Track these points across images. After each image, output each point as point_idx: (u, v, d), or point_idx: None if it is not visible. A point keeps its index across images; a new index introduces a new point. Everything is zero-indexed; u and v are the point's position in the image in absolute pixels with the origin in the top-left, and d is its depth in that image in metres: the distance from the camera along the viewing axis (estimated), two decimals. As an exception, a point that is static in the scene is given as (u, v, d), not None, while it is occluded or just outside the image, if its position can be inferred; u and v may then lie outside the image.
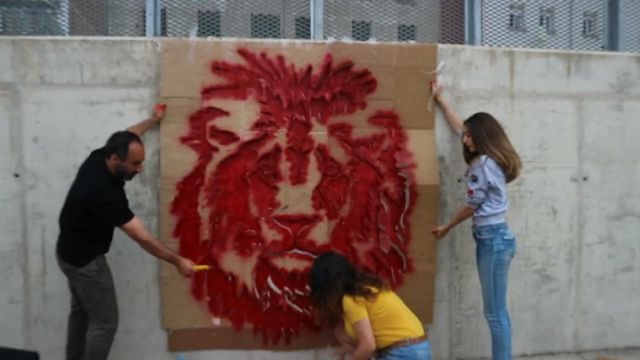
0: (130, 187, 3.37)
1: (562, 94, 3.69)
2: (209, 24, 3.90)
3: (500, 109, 3.60)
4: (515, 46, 4.02)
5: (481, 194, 3.06)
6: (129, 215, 2.83)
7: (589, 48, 4.22)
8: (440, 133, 3.53)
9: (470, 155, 3.21)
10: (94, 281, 2.92)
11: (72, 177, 3.14)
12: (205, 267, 3.17)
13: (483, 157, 3.03)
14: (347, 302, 2.90)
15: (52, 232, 3.35)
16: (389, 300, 2.95)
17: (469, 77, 3.58)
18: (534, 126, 3.66)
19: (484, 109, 3.56)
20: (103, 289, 2.95)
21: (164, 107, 3.29)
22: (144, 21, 3.69)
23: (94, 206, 2.78)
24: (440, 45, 3.56)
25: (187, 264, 3.01)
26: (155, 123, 3.31)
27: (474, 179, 3.06)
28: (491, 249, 3.07)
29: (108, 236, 3.02)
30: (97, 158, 2.94)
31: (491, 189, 3.04)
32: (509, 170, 3.03)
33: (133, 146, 2.86)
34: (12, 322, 3.42)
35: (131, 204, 3.32)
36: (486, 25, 4.01)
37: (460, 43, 4.00)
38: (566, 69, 3.69)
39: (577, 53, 3.74)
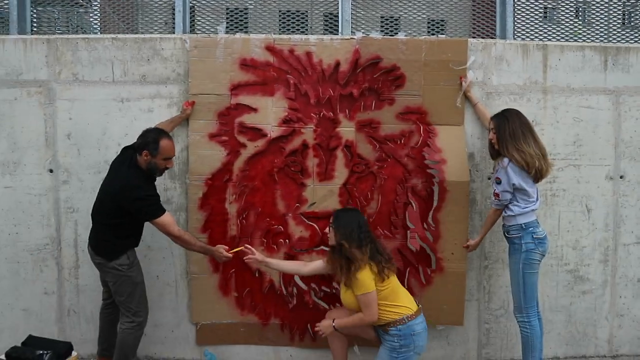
0: (160, 182, 3.41)
1: (598, 88, 3.56)
2: (237, 21, 3.91)
3: (532, 105, 3.51)
4: (549, 40, 3.89)
5: (507, 196, 3.00)
6: (161, 211, 2.88)
7: (628, 40, 4.06)
8: (470, 129, 3.46)
9: (495, 152, 3.14)
10: (124, 275, 2.97)
11: (103, 173, 3.22)
12: (240, 248, 3.17)
13: (505, 160, 2.97)
14: (365, 272, 2.83)
15: (84, 226, 3.44)
16: (392, 279, 2.95)
17: (500, 72, 3.49)
18: (568, 122, 3.54)
19: (516, 104, 3.47)
20: (133, 282, 3.01)
21: (192, 103, 3.32)
22: (173, 18, 3.73)
23: (125, 202, 2.83)
24: (470, 40, 3.48)
25: (222, 250, 3.07)
26: (184, 119, 3.34)
27: (498, 182, 3.00)
28: (520, 248, 3.01)
29: (138, 231, 3.07)
30: (128, 154, 2.99)
31: (517, 189, 2.98)
32: (532, 173, 2.95)
33: (164, 142, 2.90)
34: (46, 312, 3.52)
35: (160, 200, 3.38)
36: (518, 18, 3.90)
37: (492, 37, 3.90)
38: (603, 62, 3.56)
39: (614, 46, 3.60)
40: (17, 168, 3.45)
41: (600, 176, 3.59)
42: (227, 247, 3.12)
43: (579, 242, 3.60)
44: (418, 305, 2.98)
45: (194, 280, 3.43)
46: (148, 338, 3.47)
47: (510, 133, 2.97)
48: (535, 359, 3.04)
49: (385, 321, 2.88)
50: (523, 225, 3.00)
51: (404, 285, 3.40)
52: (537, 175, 2.97)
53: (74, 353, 2.79)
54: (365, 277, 2.82)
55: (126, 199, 2.83)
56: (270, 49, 3.34)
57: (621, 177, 3.60)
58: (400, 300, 2.91)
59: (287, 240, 3.39)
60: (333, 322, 2.99)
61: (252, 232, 3.38)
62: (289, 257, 3.40)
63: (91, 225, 3.05)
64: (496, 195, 3.04)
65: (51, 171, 3.45)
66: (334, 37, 3.45)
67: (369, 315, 2.83)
